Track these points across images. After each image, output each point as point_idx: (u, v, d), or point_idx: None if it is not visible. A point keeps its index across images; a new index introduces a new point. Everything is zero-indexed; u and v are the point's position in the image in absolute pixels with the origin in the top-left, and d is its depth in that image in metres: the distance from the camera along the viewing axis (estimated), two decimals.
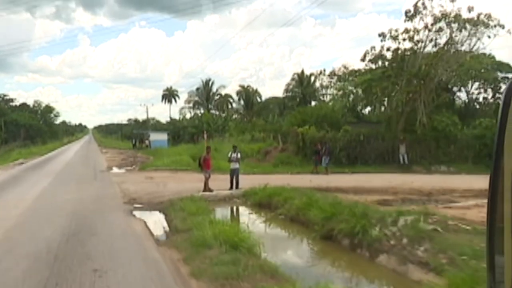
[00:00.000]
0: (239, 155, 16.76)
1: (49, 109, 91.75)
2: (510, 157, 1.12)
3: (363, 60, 29.96)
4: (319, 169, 22.93)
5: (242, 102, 70.85)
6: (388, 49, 27.72)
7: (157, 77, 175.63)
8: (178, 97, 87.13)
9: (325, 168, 22.88)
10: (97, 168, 28.19)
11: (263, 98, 70.35)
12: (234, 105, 73.16)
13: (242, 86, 71.87)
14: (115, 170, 27.85)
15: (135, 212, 12.87)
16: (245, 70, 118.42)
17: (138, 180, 21.15)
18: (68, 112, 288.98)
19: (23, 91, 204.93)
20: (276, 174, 22.65)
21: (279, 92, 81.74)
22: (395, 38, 27.02)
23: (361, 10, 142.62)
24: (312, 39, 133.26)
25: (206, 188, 15.82)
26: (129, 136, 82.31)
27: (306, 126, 27.42)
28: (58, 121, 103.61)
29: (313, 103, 59.91)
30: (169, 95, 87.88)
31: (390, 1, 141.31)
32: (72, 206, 13.44)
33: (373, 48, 29.25)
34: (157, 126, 76.80)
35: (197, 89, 72.95)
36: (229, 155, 16.85)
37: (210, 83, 73.29)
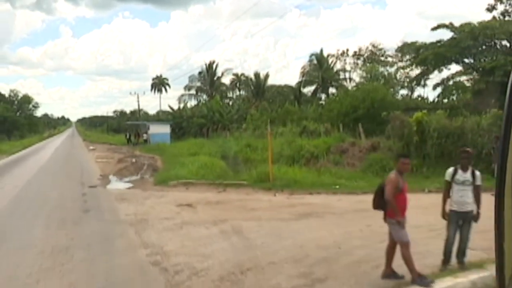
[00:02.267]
0: (479, 179, 5.94)
1: (27, 99, 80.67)
2: None
3: (490, 10, 20.20)
4: None
5: (240, 90, 63.85)
6: None
7: (141, 69, 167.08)
8: (169, 86, 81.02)
9: None
10: (86, 179, 17.77)
11: None
12: (242, 92, 63.41)
13: (236, 75, 64.14)
14: (115, 183, 17.28)
15: None
16: (230, 61, 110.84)
17: (169, 212, 10.87)
18: (51, 104, 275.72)
19: (3, 84, 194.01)
20: None
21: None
22: None
23: (346, 1, 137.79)
24: (297, 29, 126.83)
25: (409, 267, 5.57)
26: (116, 129, 73.33)
27: (424, 111, 17.26)
28: (39, 113, 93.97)
29: (330, 89, 52.63)
30: (159, 84, 79.38)
31: None
32: None
33: None
34: (148, 117, 66.29)
35: (200, 73, 62.74)
36: (450, 171, 6.11)
37: (214, 65, 62.75)
